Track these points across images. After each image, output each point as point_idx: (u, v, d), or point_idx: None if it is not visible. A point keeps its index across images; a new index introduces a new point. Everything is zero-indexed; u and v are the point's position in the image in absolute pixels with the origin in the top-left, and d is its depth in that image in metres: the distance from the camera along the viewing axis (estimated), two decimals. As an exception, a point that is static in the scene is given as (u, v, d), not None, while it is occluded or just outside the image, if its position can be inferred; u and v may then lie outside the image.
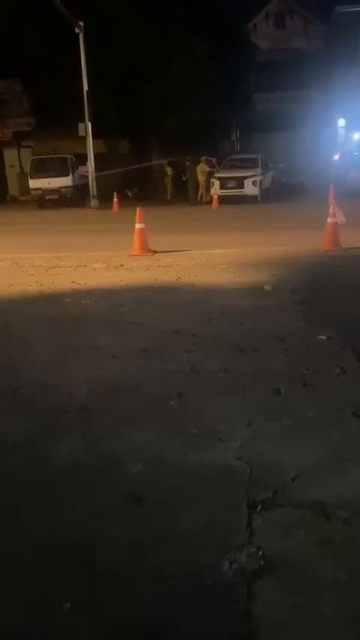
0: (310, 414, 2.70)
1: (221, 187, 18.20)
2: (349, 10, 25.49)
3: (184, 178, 19.92)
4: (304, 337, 3.89)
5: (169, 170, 22.18)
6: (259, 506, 2.00)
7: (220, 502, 2.05)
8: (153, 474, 2.25)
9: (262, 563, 1.73)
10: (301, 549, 1.80)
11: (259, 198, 17.94)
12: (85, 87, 19.26)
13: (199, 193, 19.92)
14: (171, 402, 2.89)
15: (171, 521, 1.96)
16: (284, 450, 2.38)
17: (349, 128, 26.35)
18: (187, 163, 19.67)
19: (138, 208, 8.02)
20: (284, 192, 19.71)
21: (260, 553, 1.77)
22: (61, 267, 7.14)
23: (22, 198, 24.05)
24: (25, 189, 22.83)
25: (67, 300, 5.28)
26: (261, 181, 18.40)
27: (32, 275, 6.65)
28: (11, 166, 28.31)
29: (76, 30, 18.76)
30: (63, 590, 1.67)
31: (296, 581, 1.68)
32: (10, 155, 28.37)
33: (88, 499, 2.11)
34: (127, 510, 2.03)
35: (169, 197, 21.52)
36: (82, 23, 18.63)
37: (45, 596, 1.65)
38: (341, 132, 26.67)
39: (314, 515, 1.96)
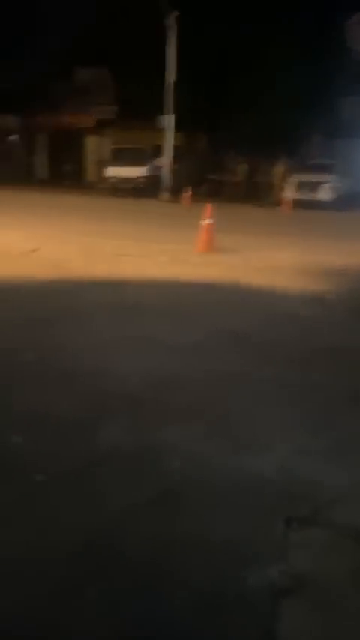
0: (358, 433, 2.59)
1: (296, 191, 17.83)
2: None
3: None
4: (364, 353, 3.74)
5: (243, 168, 21.96)
6: (295, 524, 1.94)
7: (256, 513, 2.00)
8: (190, 473, 2.23)
9: (291, 582, 1.68)
10: (334, 574, 1.73)
11: (334, 204, 17.43)
12: (172, 78, 19.36)
13: (273, 195, 19.62)
14: (218, 404, 2.86)
15: (203, 524, 1.93)
16: (328, 468, 2.30)
17: None
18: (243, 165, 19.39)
19: (208, 205, 7.99)
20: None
21: (291, 571, 1.72)
22: (127, 255, 7.25)
23: (100, 185, 24.61)
24: (102, 176, 23.33)
25: (129, 289, 5.36)
26: (338, 187, 17.87)
27: (99, 261, 6.79)
28: (92, 153, 29.05)
29: (167, 22, 18.88)
30: (87, 577, 1.68)
31: (325, 605, 1.62)
32: (91, 142, 29.11)
33: (123, 488, 2.12)
34: (160, 506, 2.03)
35: (243, 195, 21.34)
36: (175, 14, 18.69)
37: (69, 582, 1.67)
38: None
39: (352, 541, 1.87)
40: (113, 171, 21.49)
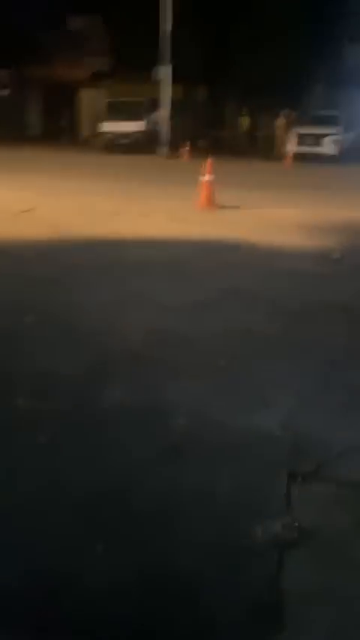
0: (364, 390, 2.60)
1: (298, 144, 17.37)
2: None
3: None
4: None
5: (245, 121, 21.34)
6: (300, 478, 1.96)
7: (261, 468, 2.03)
8: (195, 430, 2.25)
9: (296, 534, 1.71)
10: (337, 526, 1.76)
11: (338, 158, 17.01)
12: (168, 26, 18.53)
13: (275, 149, 19.15)
14: (222, 361, 2.86)
15: (209, 480, 1.96)
16: (332, 424, 2.31)
17: None
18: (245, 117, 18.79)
19: (208, 160, 7.78)
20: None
21: (296, 524, 1.75)
22: (124, 213, 7.12)
23: (95, 141, 23.97)
24: (98, 131, 22.68)
25: (127, 248, 5.28)
26: (342, 140, 17.40)
27: (96, 219, 6.67)
28: (87, 107, 28.10)
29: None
30: (95, 531, 1.71)
31: (328, 556, 1.65)
32: (86, 95, 28.11)
33: (129, 446, 2.14)
34: (166, 462, 2.05)
35: (244, 148, 20.83)
36: None
37: (76, 536, 1.70)
38: None
39: (355, 495, 1.90)
40: (109, 126, 20.82)
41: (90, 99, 27.92)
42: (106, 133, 21.04)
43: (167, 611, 1.46)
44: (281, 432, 2.25)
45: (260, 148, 19.46)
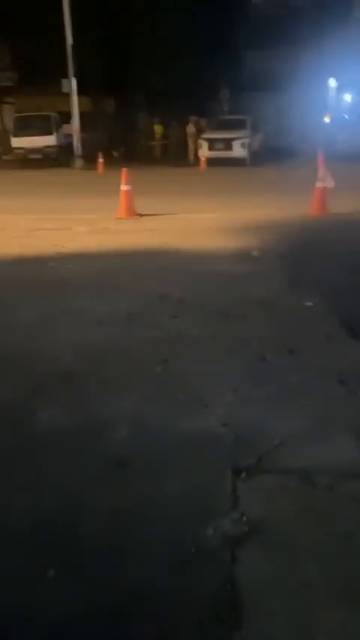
0: (295, 381, 2.70)
1: (209, 149, 17.82)
2: None
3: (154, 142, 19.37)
4: (290, 303, 3.87)
5: (158, 129, 21.61)
6: (244, 473, 2.01)
7: (205, 468, 2.05)
8: (137, 440, 2.24)
9: (245, 529, 1.75)
10: (284, 515, 1.82)
11: (247, 160, 17.61)
12: (69, 40, 18.46)
13: (187, 155, 19.54)
14: (157, 369, 2.87)
15: (155, 487, 1.96)
16: (269, 417, 2.38)
17: (340, 89, 25.78)
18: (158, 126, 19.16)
19: (123, 169, 7.80)
20: (273, 154, 19.37)
21: (244, 519, 1.78)
22: (44, 229, 6.98)
23: (5, 157, 23.37)
24: (8, 147, 22.14)
25: (50, 264, 5.18)
26: (250, 143, 18.03)
27: (15, 237, 6.49)
28: (-7, 123, 27.40)
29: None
30: (47, 558, 1.67)
31: (279, 546, 1.70)
32: (-9, 111, 27.42)
33: (71, 465, 2.10)
34: (111, 476, 2.02)
35: (158, 156, 21.07)
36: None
37: (28, 567, 1.65)
38: (332, 93, 26.09)
39: (298, 482, 1.97)
40: (20, 142, 20.40)
41: (-4, 115, 27.22)
42: (18, 148, 20.59)
43: (126, 627, 1.45)
44: (222, 429, 2.29)
45: (173, 154, 19.75)
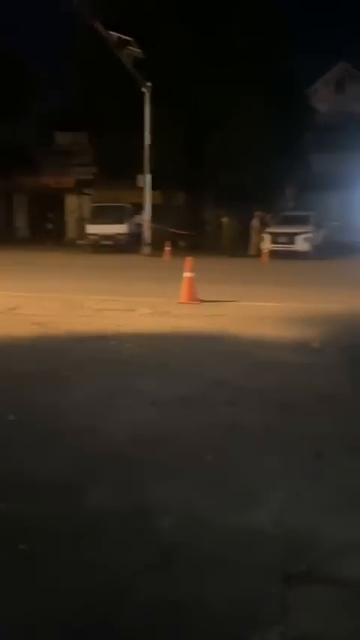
0: (354, 483, 2.54)
1: (272, 242, 18.37)
2: None
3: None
4: (352, 398, 3.73)
5: (227, 222, 22.68)
6: (295, 580, 1.86)
7: (254, 571, 1.92)
8: (184, 532, 2.15)
9: (294, 644, 1.59)
10: (338, 631, 1.65)
11: (310, 254, 17.92)
12: (147, 141, 20.24)
13: (251, 247, 20.17)
14: (208, 457, 2.80)
15: (200, 585, 1.84)
16: (325, 520, 2.23)
17: None
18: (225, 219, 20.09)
19: (188, 258, 8.14)
20: (337, 250, 19.61)
21: (292, 633, 1.63)
22: (109, 310, 7.26)
23: (79, 242, 25.06)
24: (83, 233, 23.83)
25: (112, 343, 5.33)
26: (313, 238, 18.43)
27: (81, 316, 6.78)
28: (72, 212, 29.85)
29: (143, 89, 19.94)
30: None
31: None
32: (71, 201, 29.96)
33: (115, 553, 2.02)
34: (156, 569, 1.93)
35: (226, 246, 21.98)
36: (149, 84, 19.82)
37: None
38: None
39: (354, 595, 1.80)
40: (94, 229, 21.96)
41: (75, 204, 29.78)
42: (91, 234, 22.18)
43: None
44: (272, 528, 2.16)
45: (237, 247, 20.46)
